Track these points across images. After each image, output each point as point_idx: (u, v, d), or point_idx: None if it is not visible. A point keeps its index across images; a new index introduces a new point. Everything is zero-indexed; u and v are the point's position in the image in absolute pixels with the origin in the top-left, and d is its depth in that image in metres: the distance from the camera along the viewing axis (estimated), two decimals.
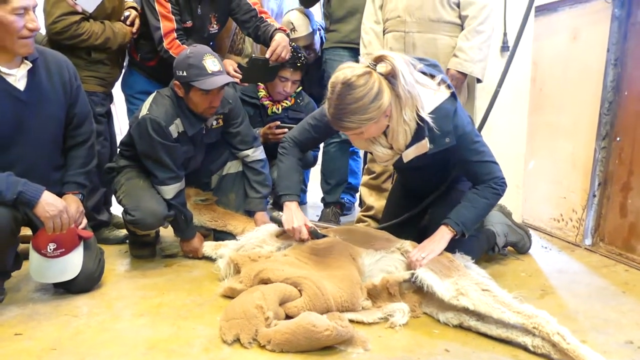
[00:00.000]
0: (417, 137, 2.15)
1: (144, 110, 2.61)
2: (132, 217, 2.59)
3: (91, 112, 2.51)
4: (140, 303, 2.26)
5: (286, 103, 3.28)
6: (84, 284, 2.34)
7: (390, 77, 2.00)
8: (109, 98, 3.13)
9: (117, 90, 3.27)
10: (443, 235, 2.20)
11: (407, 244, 2.29)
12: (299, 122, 2.54)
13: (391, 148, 2.20)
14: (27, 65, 2.16)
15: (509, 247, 2.90)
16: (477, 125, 3.23)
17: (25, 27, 2.04)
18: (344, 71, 1.98)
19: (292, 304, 1.97)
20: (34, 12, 2.08)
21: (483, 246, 2.67)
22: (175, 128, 2.63)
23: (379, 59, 2.01)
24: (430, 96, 2.10)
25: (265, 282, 2.10)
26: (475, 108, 3.07)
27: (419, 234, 2.55)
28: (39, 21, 2.11)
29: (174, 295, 2.33)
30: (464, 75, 2.83)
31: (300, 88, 3.31)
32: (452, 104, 2.12)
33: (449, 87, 2.14)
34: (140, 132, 2.59)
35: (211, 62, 2.54)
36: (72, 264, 2.27)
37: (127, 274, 2.65)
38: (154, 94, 2.69)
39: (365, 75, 1.96)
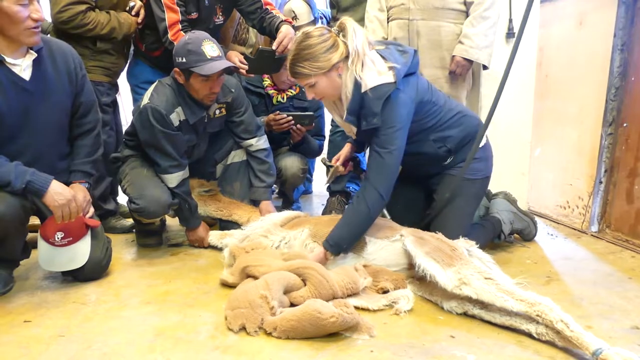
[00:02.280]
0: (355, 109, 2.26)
1: (145, 99, 2.63)
2: (136, 205, 2.60)
3: (96, 101, 2.51)
4: (147, 291, 2.28)
5: (291, 92, 3.27)
6: (92, 272, 2.36)
7: (345, 39, 2.20)
8: (115, 88, 3.14)
9: (122, 80, 3.27)
10: (319, 257, 2.26)
11: (408, 233, 2.28)
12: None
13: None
14: (32, 55, 2.16)
15: (514, 235, 2.89)
16: (485, 112, 3.21)
17: (29, 17, 2.05)
18: (309, 28, 2.25)
19: (297, 293, 1.98)
20: (38, 2, 2.08)
21: (489, 234, 2.66)
22: (177, 116, 2.64)
23: (341, 25, 2.22)
24: (372, 75, 2.18)
25: (253, 277, 2.12)
26: (481, 95, 3.05)
27: (422, 220, 2.57)
28: (43, 10, 2.11)
29: (180, 283, 2.35)
30: (470, 62, 2.81)
31: None
32: (390, 90, 2.17)
33: (396, 75, 2.18)
34: (142, 121, 2.60)
35: (210, 48, 2.54)
36: (79, 253, 2.29)
37: (134, 262, 2.67)
38: (155, 83, 2.70)
39: (323, 30, 2.22)
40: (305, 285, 2.02)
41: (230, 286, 2.23)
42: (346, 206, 2.25)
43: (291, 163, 3.20)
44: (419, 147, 2.41)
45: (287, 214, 2.73)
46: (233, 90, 2.83)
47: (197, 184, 3.00)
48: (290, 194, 3.62)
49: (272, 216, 2.70)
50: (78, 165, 2.39)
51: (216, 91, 2.65)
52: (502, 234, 2.73)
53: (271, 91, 3.25)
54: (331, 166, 2.70)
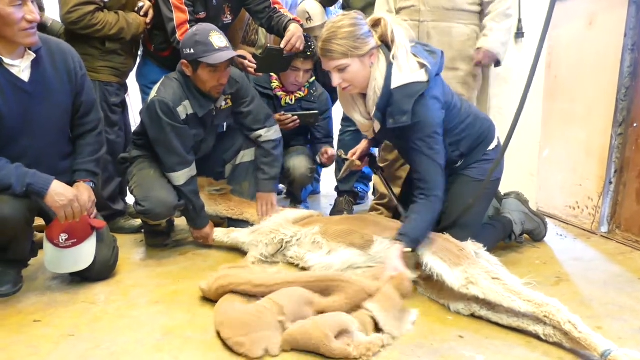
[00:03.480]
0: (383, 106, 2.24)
1: (153, 93, 2.64)
2: (142, 207, 2.61)
3: (97, 100, 2.51)
4: (156, 291, 2.30)
5: (299, 94, 3.28)
6: (100, 272, 2.38)
7: (380, 30, 2.21)
8: (124, 88, 3.16)
9: (131, 81, 3.29)
10: (395, 254, 2.14)
11: None
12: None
13: (369, 119, 2.33)
14: (31, 56, 2.15)
15: (524, 235, 2.88)
16: (495, 113, 3.21)
17: (24, 18, 2.03)
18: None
19: (329, 299, 1.91)
20: (33, 2, 2.07)
21: (499, 234, 2.66)
22: (184, 109, 2.64)
23: (374, 19, 2.23)
24: (405, 72, 2.16)
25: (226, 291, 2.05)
26: (489, 95, 3.05)
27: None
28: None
29: (188, 283, 2.37)
30: (494, 54, 2.80)
31: (314, 78, 3.31)
32: (422, 89, 2.14)
33: (429, 74, 2.16)
34: (150, 115, 2.60)
35: (217, 39, 2.55)
36: (84, 254, 2.29)
37: (142, 262, 2.69)
38: (162, 79, 2.70)
39: (359, 14, 2.20)
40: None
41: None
42: (418, 202, 2.21)
43: (299, 163, 3.21)
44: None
45: (302, 212, 2.76)
46: (238, 81, 2.83)
47: (206, 182, 3.00)
48: (298, 194, 3.62)
49: (285, 213, 2.73)
50: (81, 164, 2.37)
51: (224, 82, 2.64)
52: (512, 234, 2.72)
53: (280, 93, 3.26)
54: (347, 159, 2.71)
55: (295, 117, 3.13)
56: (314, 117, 3.19)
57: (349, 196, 3.58)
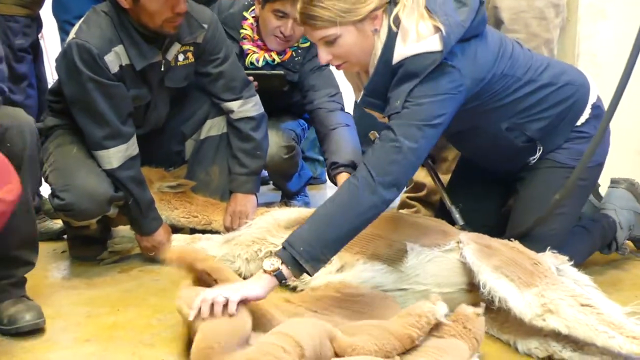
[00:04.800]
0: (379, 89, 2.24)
1: (71, 34, 2.62)
2: (60, 200, 2.62)
3: None
4: (86, 324, 2.32)
5: (276, 56, 3.29)
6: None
7: None
8: (36, 24, 3.17)
9: (47, 14, 3.30)
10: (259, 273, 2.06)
11: (469, 239, 2.31)
12: None
13: None
14: None
15: (628, 242, 2.91)
16: (584, 61, 3.22)
17: None
18: None
19: (354, 341, 1.91)
20: None
21: (595, 242, 2.70)
22: (116, 58, 2.63)
23: None
24: (409, 41, 2.13)
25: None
26: (579, 36, 3.06)
27: (499, 220, 2.61)
28: None
29: (133, 312, 2.40)
30: None
31: (309, 43, 3.32)
32: (432, 63, 2.10)
33: (444, 42, 2.11)
34: (67, 66, 2.60)
35: None
36: None
37: (66, 282, 2.73)
38: (87, 13, 2.69)
39: None
40: None
41: None
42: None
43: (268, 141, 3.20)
44: (484, 140, 2.45)
45: (297, 211, 2.80)
46: (205, 25, 2.84)
47: (156, 175, 3.04)
48: (282, 184, 3.66)
49: (274, 213, 2.77)
50: None
51: (181, 11, 2.62)
52: (614, 242, 2.75)
53: (247, 46, 3.26)
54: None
55: (252, 77, 3.14)
56: (278, 80, 3.24)
57: None
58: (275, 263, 1.99)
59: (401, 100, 2.12)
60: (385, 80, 2.20)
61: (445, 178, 2.90)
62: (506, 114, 2.38)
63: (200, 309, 1.84)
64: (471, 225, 2.50)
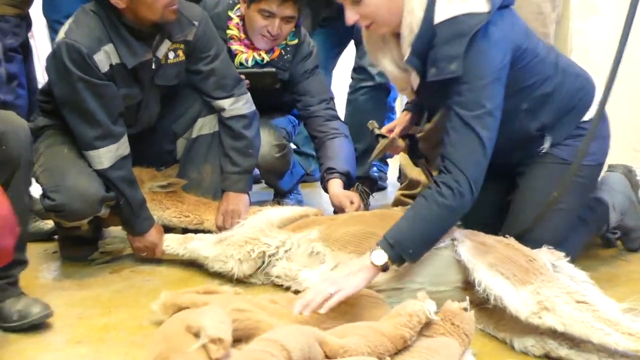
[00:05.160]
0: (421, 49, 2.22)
1: (61, 34, 2.61)
2: (51, 201, 2.62)
3: None
4: (78, 325, 2.31)
5: (264, 55, 3.28)
6: None
7: None
8: (25, 24, 3.15)
9: (37, 13, 3.28)
10: (364, 264, 2.12)
11: (463, 237, 2.31)
12: None
13: (405, 69, 2.31)
14: None
15: (618, 241, 2.92)
16: (577, 55, 3.22)
17: None
18: None
19: (346, 342, 1.94)
20: None
21: (591, 232, 2.71)
22: (105, 57, 2.62)
23: None
24: (457, 1, 2.13)
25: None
26: (571, 30, 3.07)
27: (496, 217, 2.61)
28: None
29: (124, 313, 2.39)
30: None
31: (297, 41, 3.31)
32: (480, 23, 2.10)
33: (491, 3, 2.12)
34: (56, 66, 2.59)
35: None
36: None
37: (57, 283, 2.72)
38: (76, 12, 2.67)
39: None
40: None
41: None
42: (427, 195, 2.18)
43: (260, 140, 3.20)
44: (503, 120, 2.42)
45: (291, 210, 2.80)
46: (196, 22, 2.83)
47: (147, 175, 3.03)
48: (274, 183, 3.65)
49: (267, 212, 2.76)
50: None
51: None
52: (606, 225, 2.76)
53: (235, 46, 3.25)
54: (383, 137, 2.72)
55: (243, 76, 3.14)
56: (270, 77, 3.23)
57: (363, 184, 3.60)
58: (383, 257, 2.07)
59: (458, 63, 2.11)
60: (426, 40, 2.18)
61: None
62: (529, 94, 2.37)
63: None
64: (467, 222, 2.49)
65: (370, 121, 2.89)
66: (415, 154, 2.81)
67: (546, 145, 2.45)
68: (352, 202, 2.97)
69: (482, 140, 2.14)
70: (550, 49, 2.45)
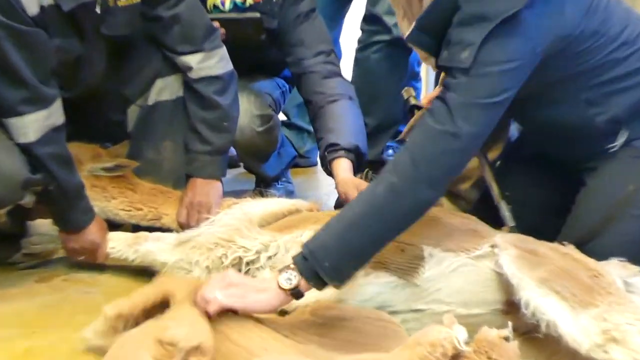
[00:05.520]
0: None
1: None
2: None
3: None
4: None
5: None
6: None
7: None
8: None
9: None
10: (269, 284, 2.11)
11: (507, 243, 2.31)
12: None
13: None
14: None
15: None
16: None
17: None
18: None
19: None
20: None
21: None
22: None
23: None
24: None
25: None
26: None
27: (552, 220, 2.61)
28: None
29: (54, 335, 2.38)
30: None
31: None
32: (511, 9, 2.11)
33: None
34: None
35: None
36: None
37: None
38: None
39: None
40: None
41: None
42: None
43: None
44: (556, 114, 2.45)
45: (278, 204, 2.81)
46: None
47: (87, 154, 3.03)
48: (256, 167, 3.66)
49: (247, 206, 2.78)
50: None
51: None
52: None
53: None
54: (419, 108, 2.74)
55: (217, 24, 3.16)
56: (253, 26, 3.26)
57: (373, 170, 3.61)
58: (293, 278, 2.03)
59: (471, 52, 2.13)
60: (445, 16, 2.20)
61: None
62: (589, 81, 2.39)
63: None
64: (518, 224, 2.50)
65: (406, 88, 2.90)
66: None
67: (619, 141, 2.46)
68: None
69: (459, 135, 2.13)
70: (632, 22, 2.44)
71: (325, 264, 2.04)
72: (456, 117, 2.10)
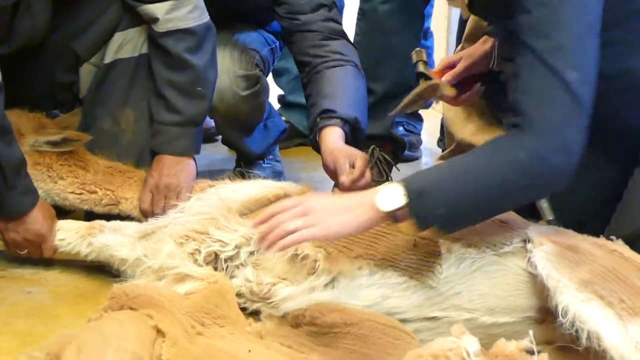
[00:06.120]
0: None
1: None
2: None
3: None
4: None
5: None
6: None
7: None
8: None
9: None
10: (364, 200, 2.23)
11: (542, 238, 2.34)
12: None
13: None
14: None
15: None
16: None
17: None
18: None
19: None
20: None
21: None
22: None
23: None
24: None
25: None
26: None
27: (596, 208, 2.68)
28: None
29: None
30: None
31: None
32: None
33: None
34: None
35: None
36: None
37: None
38: None
39: None
40: None
41: None
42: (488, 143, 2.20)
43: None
44: (615, 62, 2.46)
45: (263, 187, 2.84)
46: None
47: (30, 124, 3.04)
48: (237, 141, 3.67)
49: (225, 190, 2.81)
50: None
51: None
52: None
53: None
54: (427, 77, 2.76)
55: None
56: None
57: (382, 148, 3.63)
58: (397, 201, 2.10)
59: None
60: None
61: None
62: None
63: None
64: (558, 216, 2.53)
65: (417, 49, 2.89)
66: (497, 107, 2.86)
67: None
68: (352, 166, 2.85)
69: (570, 86, 2.14)
70: None
71: (441, 209, 2.13)
72: (553, 63, 2.12)
